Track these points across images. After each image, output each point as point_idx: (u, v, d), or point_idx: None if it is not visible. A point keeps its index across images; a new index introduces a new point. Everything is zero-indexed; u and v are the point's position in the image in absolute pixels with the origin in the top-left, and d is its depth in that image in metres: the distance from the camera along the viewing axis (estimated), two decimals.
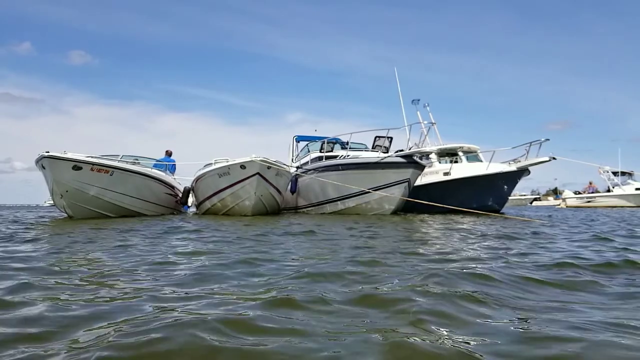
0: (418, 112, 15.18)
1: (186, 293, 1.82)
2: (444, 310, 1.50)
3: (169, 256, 2.88)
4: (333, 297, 1.71)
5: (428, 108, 15.25)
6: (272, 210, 10.30)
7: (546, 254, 3.02)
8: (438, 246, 3.47)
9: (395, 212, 10.16)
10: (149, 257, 2.83)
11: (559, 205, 26.13)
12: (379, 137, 12.46)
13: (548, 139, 11.27)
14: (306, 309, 1.56)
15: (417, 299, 1.63)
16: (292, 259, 2.75)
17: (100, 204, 8.15)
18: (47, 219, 8.14)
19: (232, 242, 3.78)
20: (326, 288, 1.88)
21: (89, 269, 2.37)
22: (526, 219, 8.15)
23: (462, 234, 4.66)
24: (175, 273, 2.28)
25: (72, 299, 1.71)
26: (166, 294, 1.81)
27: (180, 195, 11.34)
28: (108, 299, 1.71)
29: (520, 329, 1.33)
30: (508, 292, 1.82)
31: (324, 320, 1.44)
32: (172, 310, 1.53)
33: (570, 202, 24.37)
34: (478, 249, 3.32)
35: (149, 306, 1.59)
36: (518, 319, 1.45)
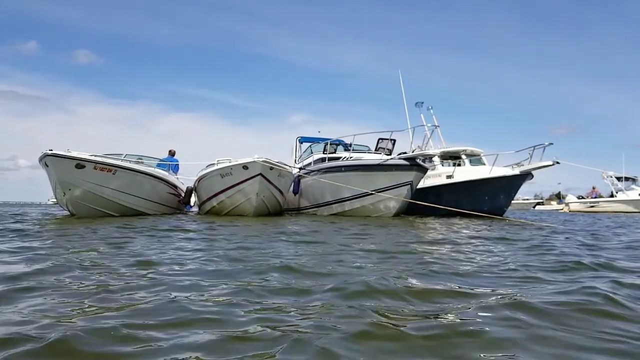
0: (421, 115, 15.19)
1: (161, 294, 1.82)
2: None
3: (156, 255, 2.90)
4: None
5: (431, 111, 15.25)
6: (274, 211, 10.30)
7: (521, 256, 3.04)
8: (416, 248, 3.51)
9: (397, 214, 10.15)
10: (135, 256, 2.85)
11: (562, 209, 26.05)
12: (382, 139, 12.45)
13: (552, 143, 11.25)
14: None
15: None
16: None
17: (102, 202, 8.16)
18: (47, 218, 8.16)
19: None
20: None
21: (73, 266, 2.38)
22: (528, 222, 8.13)
23: (453, 236, 4.71)
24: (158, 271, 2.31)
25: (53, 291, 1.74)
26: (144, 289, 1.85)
27: (183, 195, 11.35)
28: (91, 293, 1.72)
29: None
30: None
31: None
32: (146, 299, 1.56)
33: (573, 207, 24.30)
34: (455, 251, 3.35)
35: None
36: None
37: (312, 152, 13.74)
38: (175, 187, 10.86)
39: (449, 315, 1.49)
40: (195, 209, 12.32)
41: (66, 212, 8.66)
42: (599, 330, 1.37)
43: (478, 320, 1.44)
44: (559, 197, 39.31)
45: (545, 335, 1.29)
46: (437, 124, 14.46)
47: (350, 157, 11.47)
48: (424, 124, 14.20)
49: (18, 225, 5.46)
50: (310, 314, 1.48)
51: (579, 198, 25.37)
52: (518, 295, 1.76)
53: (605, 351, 1.20)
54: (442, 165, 13.33)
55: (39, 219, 7.23)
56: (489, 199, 11.70)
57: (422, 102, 15.36)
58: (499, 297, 1.74)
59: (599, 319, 1.48)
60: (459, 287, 1.94)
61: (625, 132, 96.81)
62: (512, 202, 12.96)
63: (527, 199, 38.61)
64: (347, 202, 10.73)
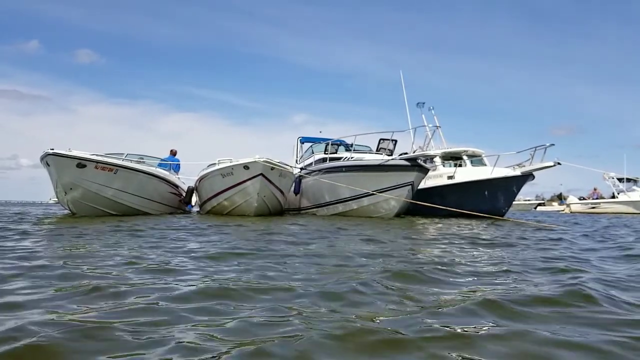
0: (423, 115, 15.18)
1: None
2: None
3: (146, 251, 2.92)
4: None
5: (433, 111, 15.24)
6: (275, 211, 10.31)
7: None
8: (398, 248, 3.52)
9: (398, 215, 10.14)
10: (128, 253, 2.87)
11: (563, 210, 26.01)
12: (384, 139, 12.44)
13: (553, 144, 11.22)
14: None
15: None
16: None
17: (103, 201, 8.18)
18: (47, 217, 8.18)
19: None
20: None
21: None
22: (527, 222, 8.12)
23: (450, 236, 4.74)
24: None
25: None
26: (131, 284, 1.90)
27: (184, 194, 11.36)
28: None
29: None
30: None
31: None
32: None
33: (574, 208, 24.24)
34: (447, 252, 3.37)
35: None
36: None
37: (313, 152, 13.74)
38: (176, 186, 10.87)
39: (432, 315, 1.51)
40: (196, 208, 12.33)
41: (67, 212, 8.67)
42: (577, 329, 1.39)
43: (458, 319, 1.47)
44: (560, 198, 39.24)
45: (525, 333, 1.31)
46: (438, 125, 14.48)
47: (352, 158, 11.48)
48: (426, 124, 14.23)
49: (17, 225, 5.48)
50: (295, 315, 1.49)
51: (580, 199, 25.33)
52: (502, 295, 1.78)
53: (580, 347, 1.22)
54: (444, 166, 13.32)
55: (39, 218, 7.24)
56: (489, 199, 11.68)
57: (424, 103, 15.36)
58: (483, 296, 1.75)
59: (578, 318, 1.50)
60: (445, 288, 1.97)
61: (626, 133, 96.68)
62: (514, 203, 12.94)
63: (529, 200, 38.58)
64: (348, 202, 10.73)
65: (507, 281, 2.15)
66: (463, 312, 1.54)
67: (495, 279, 2.19)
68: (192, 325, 1.37)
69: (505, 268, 2.51)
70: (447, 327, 1.38)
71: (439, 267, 2.48)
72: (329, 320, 1.41)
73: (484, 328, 1.38)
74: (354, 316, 1.48)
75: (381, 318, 1.47)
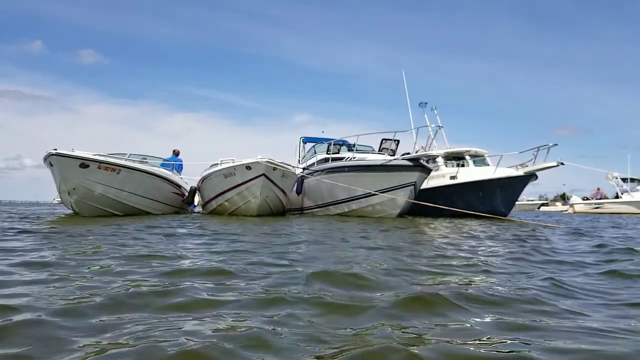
0: (425, 115, 15.18)
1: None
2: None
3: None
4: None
5: (435, 111, 15.24)
6: (277, 211, 10.32)
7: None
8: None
9: (400, 215, 10.13)
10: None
11: (567, 211, 25.93)
12: (386, 139, 12.43)
13: (556, 144, 11.19)
14: None
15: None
16: None
17: (106, 202, 8.20)
18: (48, 217, 8.20)
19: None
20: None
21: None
22: (527, 222, 8.10)
23: (443, 236, 4.79)
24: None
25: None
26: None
27: (187, 194, 11.38)
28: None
29: None
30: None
31: None
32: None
33: (578, 208, 24.16)
34: (434, 250, 3.41)
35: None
36: None
37: (315, 153, 13.74)
38: (179, 186, 10.89)
39: (384, 315, 1.55)
40: (198, 208, 12.35)
41: (70, 212, 8.70)
42: (518, 331, 1.40)
43: (409, 316, 1.53)
44: (563, 198, 39.10)
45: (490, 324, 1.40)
46: (440, 125, 14.46)
47: (354, 158, 11.46)
48: (428, 124, 14.22)
49: (16, 224, 5.52)
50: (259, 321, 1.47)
51: (583, 199, 25.25)
52: (459, 293, 1.79)
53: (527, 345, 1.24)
54: (446, 166, 13.31)
55: (40, 219, 7.25)
56: (492, 199, 11.66)
57: (426, 103, 15.38)
58: (437, 293, 1.78)
59: (534, 314, 1.57)
60: (410, 282, 2.05)
61: (630, 133, 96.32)
62: (517, 203, 12.92)
63: (532, 200, 38.47)
64: (350, 202, 10.73)
65: (475, 280, 2.17)
66: (415, 309, 1.59)
67: (463, 278, 2.21)
68: (153, 325, 1.37)
69: (483, 268, 2.52)
70: (398, 324, 1.43)
71: (419, 265, 2.52)
72: (298, 330, 1.39)
73: (432, 325, 1.42)
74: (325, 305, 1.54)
75: (329, 316, 1.52)
